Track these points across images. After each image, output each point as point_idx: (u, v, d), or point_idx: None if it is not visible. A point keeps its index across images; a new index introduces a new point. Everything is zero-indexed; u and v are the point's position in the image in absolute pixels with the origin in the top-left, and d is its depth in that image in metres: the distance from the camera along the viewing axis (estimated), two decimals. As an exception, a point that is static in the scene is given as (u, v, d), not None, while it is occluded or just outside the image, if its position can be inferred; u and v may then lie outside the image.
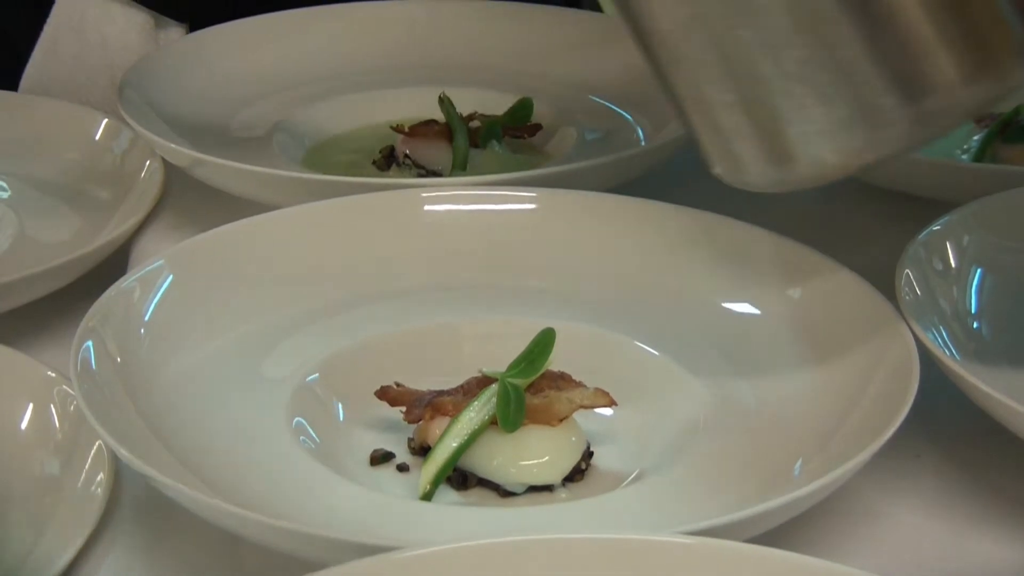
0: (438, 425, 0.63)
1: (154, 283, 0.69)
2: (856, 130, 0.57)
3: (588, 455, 0.63)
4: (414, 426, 0.65)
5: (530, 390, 0.63)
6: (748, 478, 0.61)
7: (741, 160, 0.60)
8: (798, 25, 0.56)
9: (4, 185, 0.89)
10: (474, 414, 0.62)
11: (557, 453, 0.62)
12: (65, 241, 0.83)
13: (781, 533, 0.57)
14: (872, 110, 0.56)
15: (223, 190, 0.82)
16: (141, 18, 1.03)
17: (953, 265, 0.72)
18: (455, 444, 0.61)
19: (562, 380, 0.64)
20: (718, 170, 0.61)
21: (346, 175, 0.82)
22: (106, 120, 0.92)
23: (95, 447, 0.63)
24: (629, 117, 0.92)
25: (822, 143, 0.57)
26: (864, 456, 0.57)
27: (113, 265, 0.79)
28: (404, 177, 0.87)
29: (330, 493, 0.60)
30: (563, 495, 0.62)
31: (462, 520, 0.60)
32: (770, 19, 0.56)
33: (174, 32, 1.04)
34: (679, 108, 0.61)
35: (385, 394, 0.65)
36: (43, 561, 0.58)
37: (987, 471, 0.65)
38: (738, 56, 0.57)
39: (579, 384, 0.64)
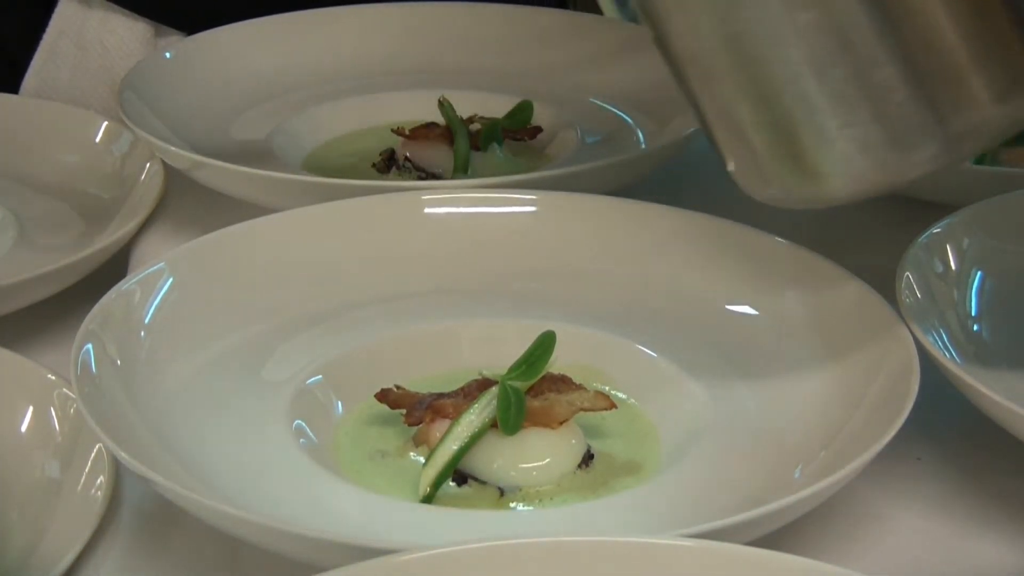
0: (438, 428, 0.63)
1: (154, 286, 0.69)
2: (891, 148, 0.58)
3: (588, 457, 0.63)
4: (414, 428, 0.64)
5: (530, 393, 0.63)
6: (749, 481, 0.61)
7: (776, 177, 0.61)
8: (839, 46, 0.57)
9: (4, 187, 0.89)
10: (474, 417, 0.62)
11: (557, 456, 0.62)
12: (65, 244, 0.83)
13: (782, 536, 0.57)
14: (907, 129, 0.57)
15: (223, 193, 0.82)
16: (141, 27, 1.03)
17: (953, 268, 0.72)
18: (455, 446, 0.61)
19: (562, 383, 0.64)
20: (747, 186, 0.62)
21: (346, 178, 0.82)
22: (106, 123, 0.92)
23: (95, 450, 0.63)
24: (629, 120, 0.92)
25: (858, 161, 0.58)
26: (865, 459, 0.57)
27: (113, 268, 0.79)
28: (404, 180, 0.87)
29: (330, 496, 0.60)
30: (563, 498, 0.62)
31: (462, 522, 0.59)
32: (812, 39, 0.57)
33: (174, 40, 1.04)
34: (706, 125, 0.62)
35: (385, 397, 0.65)
36: (43, 564, 0.58)
37: (988, 474, 0.65)
38: (778, 75, 0.58)
39: (579, 387, 0.64)
